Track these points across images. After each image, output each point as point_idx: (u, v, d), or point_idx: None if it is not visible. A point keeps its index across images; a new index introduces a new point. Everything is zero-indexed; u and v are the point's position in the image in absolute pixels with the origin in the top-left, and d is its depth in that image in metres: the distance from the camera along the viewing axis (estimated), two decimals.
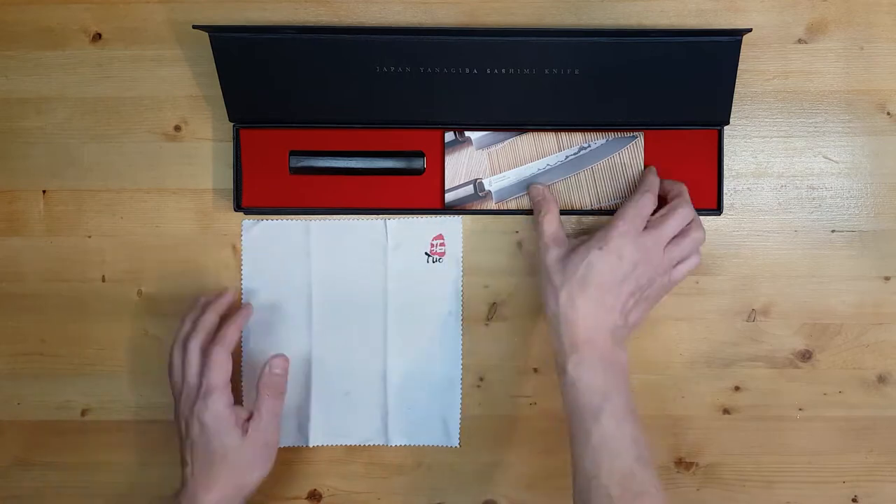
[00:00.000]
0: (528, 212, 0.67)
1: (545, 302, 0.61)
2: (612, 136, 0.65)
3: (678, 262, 0.61)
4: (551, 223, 0.62)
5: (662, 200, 0.63)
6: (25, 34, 0.68)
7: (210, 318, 0.63)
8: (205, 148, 0.68)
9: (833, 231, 0.67)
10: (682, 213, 0.61)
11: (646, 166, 0.65)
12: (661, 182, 0.63)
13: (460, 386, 0.68)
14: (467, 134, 0.66)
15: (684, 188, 0.63)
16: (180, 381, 0.62)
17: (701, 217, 0.67)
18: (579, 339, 0.58)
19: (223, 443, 0.60)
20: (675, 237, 0.61)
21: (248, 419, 0.62)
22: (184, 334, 0.63)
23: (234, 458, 0.60)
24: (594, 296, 0.58)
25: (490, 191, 0.66)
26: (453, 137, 0.65)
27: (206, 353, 0.61)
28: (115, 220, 0.68)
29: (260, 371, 0.63)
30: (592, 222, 0.67)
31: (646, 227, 0.60)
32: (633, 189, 0.65)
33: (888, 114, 0.67)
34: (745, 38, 0.61)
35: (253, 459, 0.61)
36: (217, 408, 0.60)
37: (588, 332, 0.58)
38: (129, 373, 0.69)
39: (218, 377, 0.60)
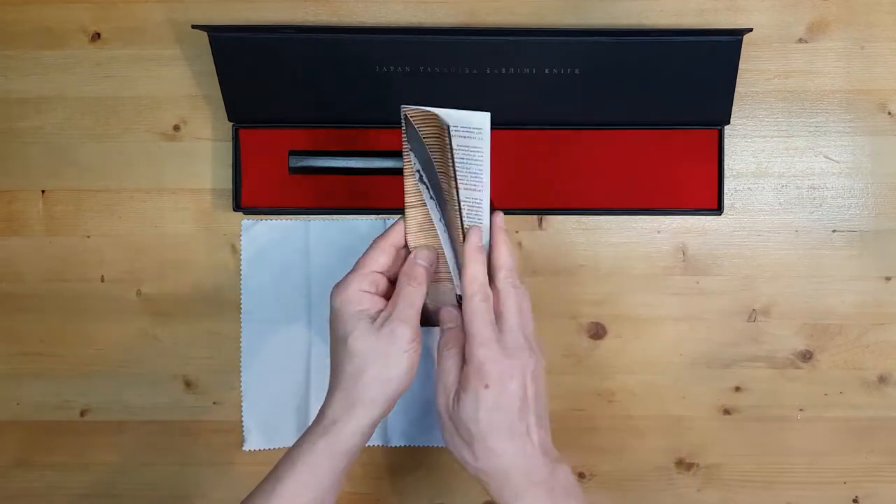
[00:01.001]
0: (528, 212, 0.67)
1: (458, 456, 0.53)
2: None
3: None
4: (456, 366, 0.53)
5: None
6: (25, 34, 0.67)
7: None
8: (204, 148, 0.68)
9: (834, 231, 0.67)
10: (509, 290, 0.54)
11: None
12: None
13: None
14: None
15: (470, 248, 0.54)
16: None
17: (701, 217, 0.67)
18: (519, 483, 0.51)
19: (346, 329, 0.53)
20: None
21: (379, 312, 0.54)
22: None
23: (353, 356, 0.52)
24: (505, 435, 0.52)
25: None
26: None
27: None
28: (114, 220, 0.68)
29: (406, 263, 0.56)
30: (594, 223, 0.67)
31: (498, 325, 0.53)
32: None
33: (889, 113, 0.67)
34: (746, 37, 0.60)
35: (374, 360, 0.52)
36: (348, 289, 0.53)
37: (522, 470, 0.52)
38: (129, 373, 0.68)
39: (366, 261, 0.54)
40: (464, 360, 0.53)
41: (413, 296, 0.54)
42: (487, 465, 0.52)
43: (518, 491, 0.51)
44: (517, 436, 0.52)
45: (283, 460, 0.54)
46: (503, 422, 0.52)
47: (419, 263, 0.55)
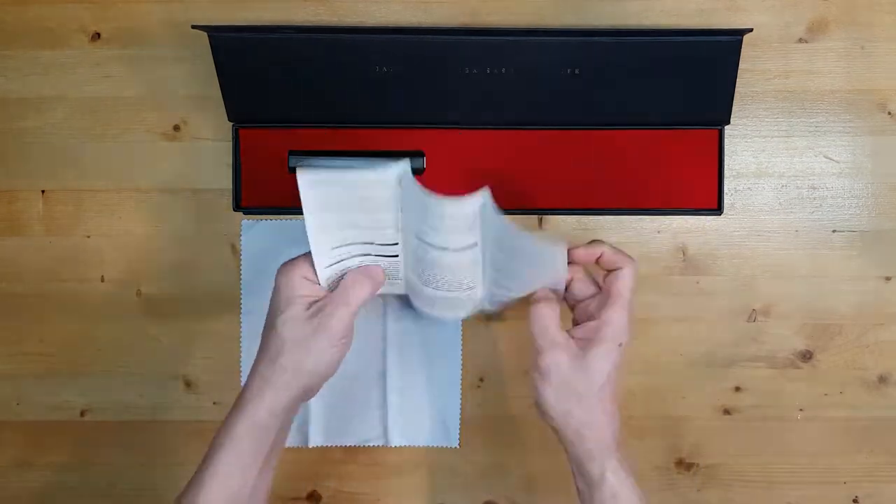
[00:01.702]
0: (528, 212, 0.67)
1: (560, 410, 0.55)
2: None
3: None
4: (553, 320, 0.55)
5: None
6: (24, 34, 0.67)
7: None
8: (204, 148, 0.68)
9: (834, 231, 0.67)
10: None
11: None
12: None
13: (460, 386, 0.68)
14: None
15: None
16: None
17: (701, 217, 0.67)
18: (610, 441, 0.55)
19: (279, 309, 0.54)
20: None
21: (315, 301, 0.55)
22: None
23: (280, 334, 0.54)
24: (613, 396, 0.55)
25: None
26: None
27: None
28: (114, 220, 0.68)
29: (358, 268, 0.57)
30: (594, 223, 0.67)
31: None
32: None
33: (889, 113, 0.67)
34: (746, 37, 0.60)
35: (299, 342, 0.54)
36: (293, 271, 0.55)
37: (614, 434, 0.55)
38: (129, 373, 0.68)
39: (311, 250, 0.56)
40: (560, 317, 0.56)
41: (349, 296, 0.54)
42: (593, 418, 0.54)
43: (610, 451, 0.54)
44: (615, 400, 0.55)
45: (211, 445, 0.55)
46: (615, 382, 0.55)
47: (367, 271, 0.56)
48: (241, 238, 0.68)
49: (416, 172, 0.66)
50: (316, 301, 0.55)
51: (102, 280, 0.68)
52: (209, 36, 0.61)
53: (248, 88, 0.64)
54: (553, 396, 0.55)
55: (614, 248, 0.56)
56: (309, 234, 0.54)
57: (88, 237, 0.68)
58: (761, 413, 0.68)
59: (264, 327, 0.56)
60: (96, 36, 0.67)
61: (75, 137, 0.68)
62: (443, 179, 0.66)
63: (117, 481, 0.69)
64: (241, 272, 0.68)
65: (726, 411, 0.68)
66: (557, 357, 0.54)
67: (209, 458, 0.54)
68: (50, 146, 0.68)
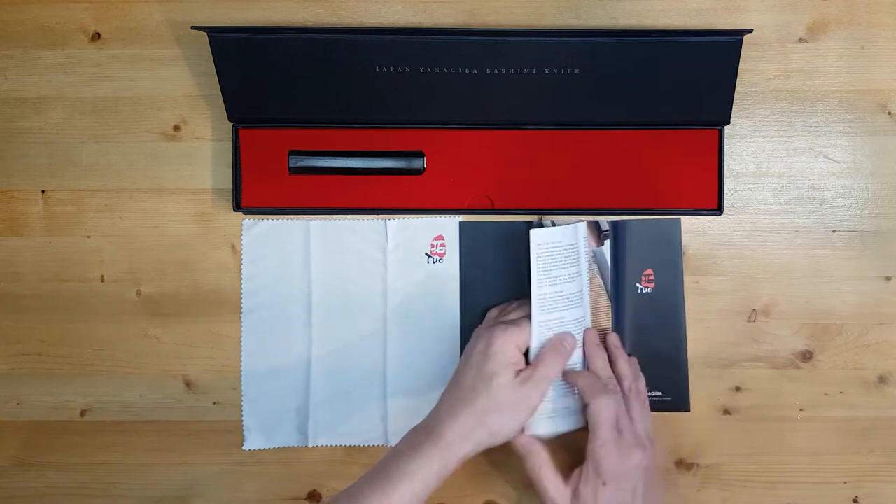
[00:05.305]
0: (528, 213, 0.67)
1: None
2: None
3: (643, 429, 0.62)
4: (548, 474, 0.60)
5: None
6: (25, 34, 0.68)
7: None
8: (204, 148, 0.68)
9: (834, 231, 0.67)
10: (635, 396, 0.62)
11: (576, 372, 0.63)
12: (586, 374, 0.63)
13: None
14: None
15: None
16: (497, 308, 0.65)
17: (701, 217, 0.67)
18: None
19: (494, 370, 0.59)
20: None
21: (521, 370, 0.61)
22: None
23: (493, 395, 0.59)
24: None
25: None
26: None
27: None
28: (114, 220, 0.68)
29: (550, 339, 0.62)
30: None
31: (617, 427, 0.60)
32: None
33: (889, 113, 0.67)
34: (746, 37, 0.61)
35: (507, 407, 0.59)
36: (511, 340, 0.60)
37: None
38: (129, 373, 0.68)
39: (526, 327, 0.62)
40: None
41: (551, 372, 0.60)
42: None
43: None
44: None
45: (397, 466, 0.57)
46: None
47: (564, 345, 0.62)
48: (242, 238, 0.68)
49: (416, 173, 0.66)
50: (521, 370, 0.60)
51: (102, 280, 0.68)
52: (209, 36, 0.61)
53: (248, 88, 0.64)
54: None
55: (605, 370, 0.63)
56: (534, 296, 0.61)
57: (88, 237, 0.68)
58: (761, 413, 0.68)
59: (466, 376, 0.60)
60: (96, 36, 0.68)
61: (75, 137, 0.68)
62: (443, 179, 0.67)
63: (117, 481, 0.69)
64: (242, 272, 0.68)
65: (726, 411, 0.68)
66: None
67: (396, 477, 0.56)
68: (50, 146, 0.68)
